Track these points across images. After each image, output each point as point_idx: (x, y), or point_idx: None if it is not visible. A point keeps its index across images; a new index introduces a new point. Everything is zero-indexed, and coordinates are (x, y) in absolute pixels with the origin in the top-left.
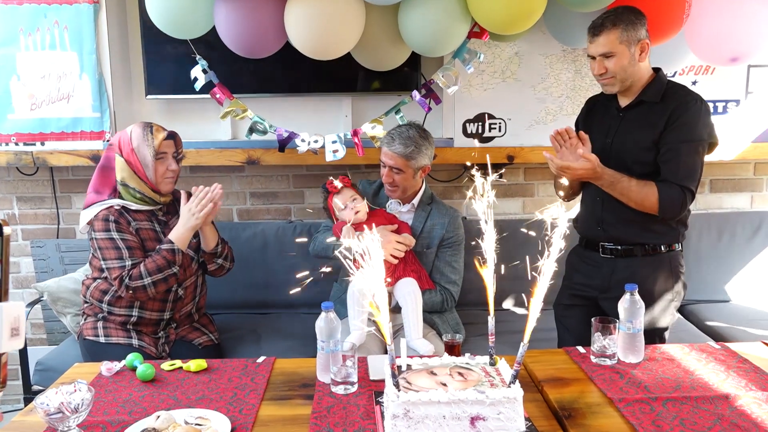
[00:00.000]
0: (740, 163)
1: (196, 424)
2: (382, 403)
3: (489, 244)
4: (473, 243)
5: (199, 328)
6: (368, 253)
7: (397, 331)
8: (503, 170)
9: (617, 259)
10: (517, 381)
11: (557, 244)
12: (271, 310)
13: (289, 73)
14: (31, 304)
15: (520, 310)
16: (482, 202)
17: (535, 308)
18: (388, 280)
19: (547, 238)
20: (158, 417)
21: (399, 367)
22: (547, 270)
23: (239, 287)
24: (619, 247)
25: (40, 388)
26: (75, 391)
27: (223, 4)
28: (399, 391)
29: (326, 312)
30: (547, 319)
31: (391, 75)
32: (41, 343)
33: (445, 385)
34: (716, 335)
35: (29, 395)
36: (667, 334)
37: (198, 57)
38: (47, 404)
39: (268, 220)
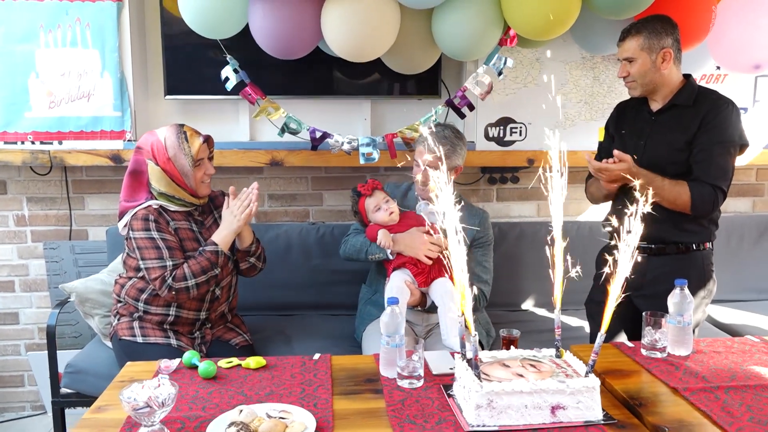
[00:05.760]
0: (744, 169)
1: (280, 418)
2: (454, 396)
3: (558, 244)
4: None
5: (234, 329)
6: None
7: (431, 330)
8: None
9: (650, 258)
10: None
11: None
12: (295, 312)
13: (307, 75)
14: (60, 305)
15: (539, 311)
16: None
17: (612, 299)
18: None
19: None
20: (240, 411)
21: (470, 359)
22: (624, 262)
23: (263, 289)
24: (653, 246)
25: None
26: (159, 385)
27: (260, 4)
28: (481, 381)
29: (392, 307)
30: (573, 318)
31: (410, 79)
32: None
33: (522, 375)
34: (734, 333)
35: (57, 399)
36: (696, 331)
37: (229, 57)
38: (135, 398)
39: (289, 222)
